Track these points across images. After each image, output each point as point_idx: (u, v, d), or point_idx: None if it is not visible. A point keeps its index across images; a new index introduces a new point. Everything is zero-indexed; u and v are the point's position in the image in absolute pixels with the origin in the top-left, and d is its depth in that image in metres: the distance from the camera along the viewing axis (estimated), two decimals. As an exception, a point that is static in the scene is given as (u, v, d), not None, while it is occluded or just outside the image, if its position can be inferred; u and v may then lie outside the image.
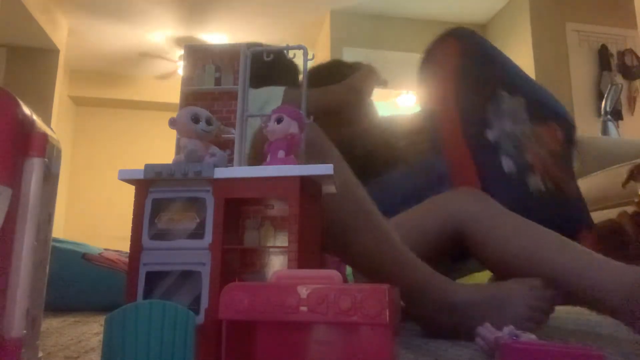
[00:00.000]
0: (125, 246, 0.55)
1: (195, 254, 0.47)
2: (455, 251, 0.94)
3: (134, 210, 0.48)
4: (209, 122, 0.50)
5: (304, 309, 0.36)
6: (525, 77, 1.20)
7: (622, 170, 1.91)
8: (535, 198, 0.98)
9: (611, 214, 1.69)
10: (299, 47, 0.56)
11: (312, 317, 0.35)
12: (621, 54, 3.76)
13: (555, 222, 0.96)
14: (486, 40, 1.17)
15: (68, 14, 4.16)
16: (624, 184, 1.58)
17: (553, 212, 1.02)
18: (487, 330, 0.56)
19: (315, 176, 0.48)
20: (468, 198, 0.93)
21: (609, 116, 3.08)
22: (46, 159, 0.40)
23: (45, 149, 0.40)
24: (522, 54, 3.78)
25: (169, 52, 4.75)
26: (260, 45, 0.72)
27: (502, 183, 0.97)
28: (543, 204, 1.00)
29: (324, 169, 0.47)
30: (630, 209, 1.57)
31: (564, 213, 1.07)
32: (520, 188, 0.97)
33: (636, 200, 1.57)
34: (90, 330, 0.79)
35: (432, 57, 1.15)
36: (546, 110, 1.13)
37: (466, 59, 1.09)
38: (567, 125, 1.16)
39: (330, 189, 0.54)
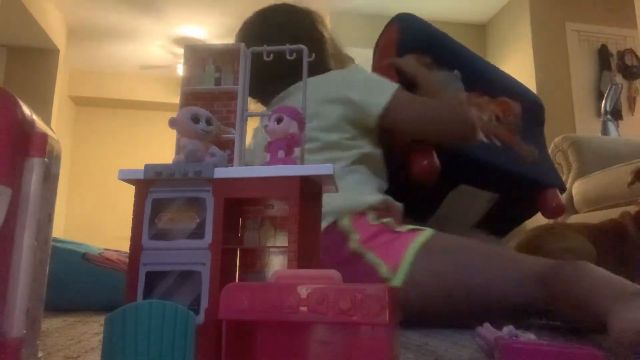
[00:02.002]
0: (125, 246, 0.55)
1: (195, 254, 0.47)
2: None
3: (134, 210, 0.48)
4: (209, 122, 0.50)
5: (304, 309, 0.36)
6: (473, 58, 1.40)
7: (622, 170, 1.91)
8: (479, 146, 1.18)
9: (613, 213, 1.69)
10: (298, 48, 0.56)
11: (312, 317, 0.35)
12: (621, 54, 3.76)
13: (510, 174, 1.26)
14: (427, 24, 1.29)
15: (68, 14, 4.16)
16: (630, 184, 1.58)
17: (502, 161, 1.24)
18: (487, 330, 0.56)
19: (315, 176, 0.48)
20: None
21: (609, 116, 3.08)
22: (46, 159, 0.40)
23: (45, 149, 0.40)
24: (522, 54, 3.78)
25: (169, 51, 4.74)
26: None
27: None
28: (485, 148, 1.20)
29: (324, 169, 0.47)
30: (632, 208, 1.57)
31: (519, 170, 1.28)
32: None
33: (640, 200, 1.58)
34: (90, 330, 0.79)
35: (377, 48, 1.31)
36: (496, 88, 1.35)
37: (403, 43, 1.20)
38: (531, 105, 1.42)
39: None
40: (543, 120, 1.52)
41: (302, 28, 1.19)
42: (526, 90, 1.52)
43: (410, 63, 1.15)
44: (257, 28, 1.21)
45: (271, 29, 1.19)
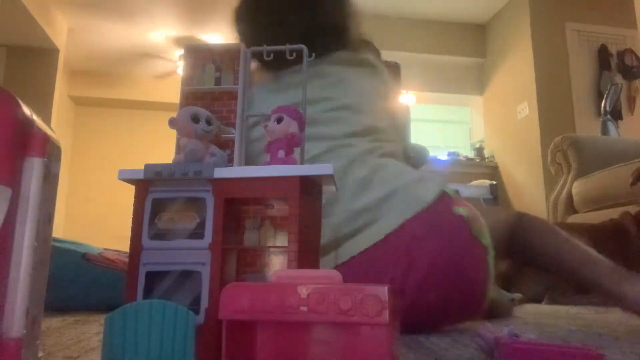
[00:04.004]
0: (125, 246, 0.55)
1: (195, 253, 0.47)
2: None
3: (134, 210, 0.48)
4: (209, 122, 0.50)
5: (304, 309, 0.36)
6: None
7: (622, 170, 1.91)
8: None
9: (613, 213, 1.69)
10: (299, 48, 0.56)
11: (312, 317, 0.35)
12: (621, 54, 3.76)
13: None
14: None
15: (68, 14, 4.16)
16: (632, 184, 1.58)
17: None
18: (487, 330, 0.56)
19: (315, 176, 0.48)
20: None
21: (608, 116, 3.08)
22: (46, 159, 0.40)
23: (45, 149, 0.40)
24: (522, 54, 3.78)
25: (169, 52, 4.75)
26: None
27: None
28: None
29: (324, 169, 0.47)
30: (632, 208, 1.57)
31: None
32: None
33: (641, 199, 1.58)
34: (90, 330, 0.79)
35: None
36: None
37: None
38: None
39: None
40: None
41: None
42: None
43: None
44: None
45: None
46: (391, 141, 0.98)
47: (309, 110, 0.76)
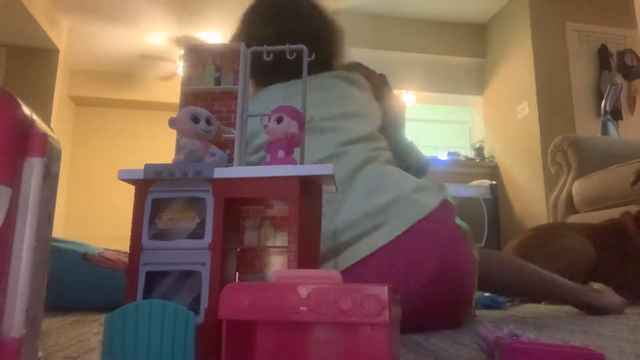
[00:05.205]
0: (125, 246, 0.55)
1: (195, 254, 0.47)
2: None
3: (134, 210, 0.48)
4: (209, 122, 0.50)
5: (304, 309, 0.36)
6: None
7: (622, 170, 1.91)
8: None
9: (613, 213, 1.69)
10: (299, 47, 0.56)
11: (312, 317, 0.35)
12: (621, 54, 3.76)
13: None
14: None
15: (68, 14, 4.16)
16: (632, 184, 1.58)
17: None
18: (487, 330, 0.56)
19: (315, 176, 0.48)
20: None
21: (608, 116, 3.08)
22: (46, 159, 0.40)
23: (45, 149, 0.40)
24: (522, 54, 3.78)
25: (169, 53, 4.74)
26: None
27: None
28: None
29: (324, 169, 0.47)
30: (633, 208, 1.57)
31: None
32: None
33: (642, 199, 1.58)
34: (90, 330, 0.79)
35: None
36: None
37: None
38: None
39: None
40: None
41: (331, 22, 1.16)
42: None
43: None
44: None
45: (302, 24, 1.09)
46: (388, 150, 1.03)
47: (317, 117, 0.82)
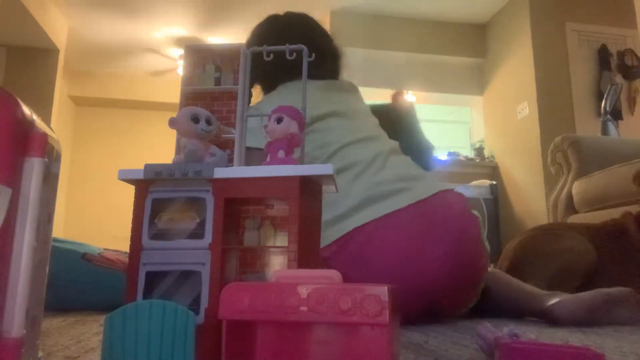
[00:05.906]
0: (125, 246, 0.55)
1: (195, 254, 0.47)
2: None
3: (134, 210, 0.48)
4: (209, 122, 0.50)
5: (304, 309, 0.36)
6: None
7: (622, 170, 1.91)
8: None
9: (613, 213, 1.69)
10: (299, 48, 0.55)
11: (312, 317, 0.35)
12: (621, 54, 3.76)
13: None
14: None
15: (68, 14, 4.16)
16: (637, 182, 1.58)
17: None
18: (487, 330, 0.56)
19: (315, 176, 0.48)
20: None
21: (608, 116, 3.08)
22: (46, 159, 0.40)
23: (45, 149, 0.40)
24: (522, 54, 3.78)
25: (167, 50, 4.74)
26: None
27: None
28: None
29: (324, 169, 0.47)
30: (634, 208, 1.57)
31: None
32: None
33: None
34: (90, 330, 0.79)
35: None
36: None
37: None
38: None
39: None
40: None
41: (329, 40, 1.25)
42: None
43: None
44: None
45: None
46: None
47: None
